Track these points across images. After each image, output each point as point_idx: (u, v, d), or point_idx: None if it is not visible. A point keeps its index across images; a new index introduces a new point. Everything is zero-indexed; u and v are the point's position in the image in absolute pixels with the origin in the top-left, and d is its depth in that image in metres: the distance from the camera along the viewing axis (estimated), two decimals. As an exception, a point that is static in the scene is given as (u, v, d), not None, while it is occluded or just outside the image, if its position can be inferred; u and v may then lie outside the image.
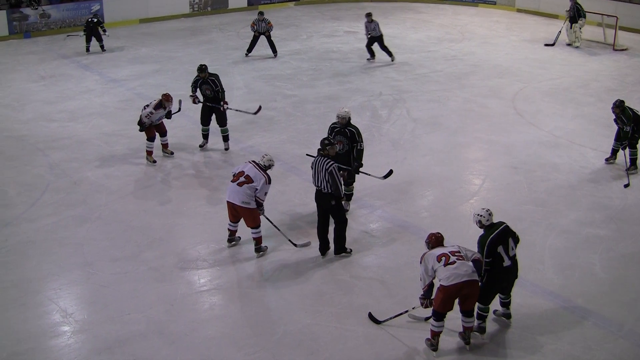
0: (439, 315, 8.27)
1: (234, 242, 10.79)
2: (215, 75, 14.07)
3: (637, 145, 13.23)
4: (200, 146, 14.44)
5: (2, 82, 19.54)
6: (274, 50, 22.16)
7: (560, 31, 23.36)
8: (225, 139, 14.38)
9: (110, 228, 11.32)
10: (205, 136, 14.44)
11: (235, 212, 10.33)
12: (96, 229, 11.30)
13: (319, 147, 10.15)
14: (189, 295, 9.54)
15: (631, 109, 13.03)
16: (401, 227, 11.25)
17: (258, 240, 10.48)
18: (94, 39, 22.61)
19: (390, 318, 8.85)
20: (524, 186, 12.76)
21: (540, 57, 21.93)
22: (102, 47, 22.78)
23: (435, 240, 8.53)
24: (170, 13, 28.80)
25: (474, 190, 12.74)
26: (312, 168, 10.14)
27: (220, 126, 14.16)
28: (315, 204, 10.40)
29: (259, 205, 10.27)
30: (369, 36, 20.90)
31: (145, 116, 13.28)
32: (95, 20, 22.66)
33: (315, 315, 9.04)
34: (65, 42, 24.12)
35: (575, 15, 22.70)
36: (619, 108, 13.04)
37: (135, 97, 18.01)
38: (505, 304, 8.92)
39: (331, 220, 10.29)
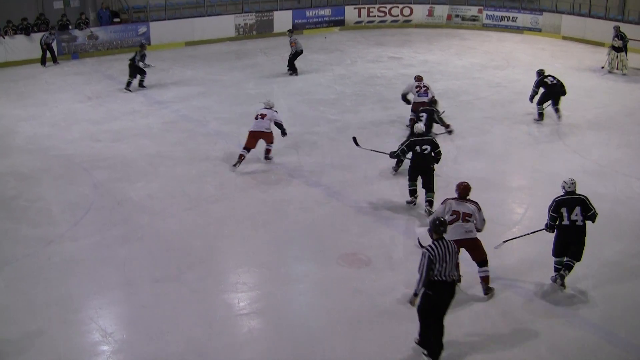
0: None
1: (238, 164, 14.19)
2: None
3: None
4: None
5: (50, 102, 19.90)
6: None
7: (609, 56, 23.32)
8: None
9: (151, 248, 11.41)
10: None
11: (255, 139, 14.30)
12: (138, 249, 11.39)
13: (432, 230, 8.41)
14: (228, 318, 9.54)
15: None
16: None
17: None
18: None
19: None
20: (568, 215, 12.57)
21: (585, 85, 21.72)
22: (141, 82, 21.33)
23: (463, 189, 9.86)
24: (216, 36, 29.16)
25: (516, 219, 12.60)
26: (435, 261, 8.11)
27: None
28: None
29: (283, 133, 14.76)
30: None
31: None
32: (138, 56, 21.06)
33: (354, 341, 8.97)
34: (111, 63, 24.48)
35: (622, 42, 22.57)
36: None
37: (180, 119, 18.21)
38: (568, 266, 9.83)
39: None
